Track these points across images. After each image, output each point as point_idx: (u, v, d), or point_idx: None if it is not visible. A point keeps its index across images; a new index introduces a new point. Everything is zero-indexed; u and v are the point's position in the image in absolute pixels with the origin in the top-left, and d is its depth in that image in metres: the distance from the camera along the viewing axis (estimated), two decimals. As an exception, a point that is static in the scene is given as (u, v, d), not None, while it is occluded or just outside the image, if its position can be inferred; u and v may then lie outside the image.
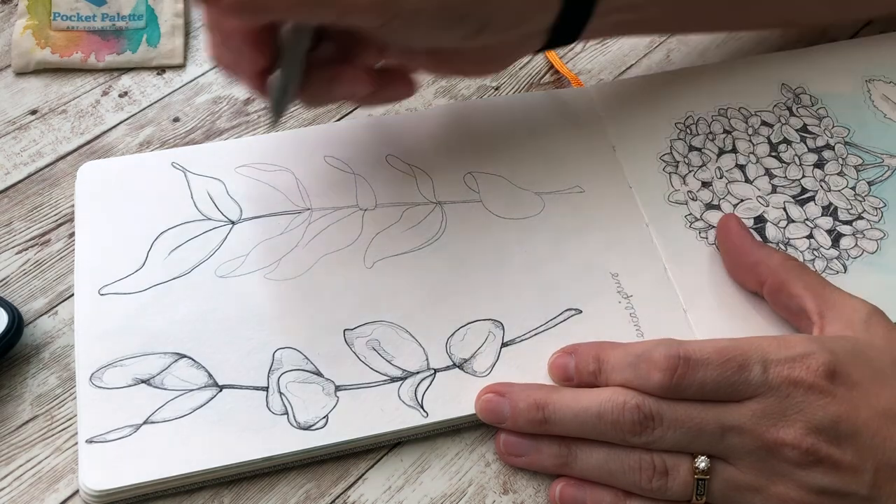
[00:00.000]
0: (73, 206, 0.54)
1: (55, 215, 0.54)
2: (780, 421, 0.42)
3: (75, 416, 0.47)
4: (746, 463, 0.43)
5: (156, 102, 0.60)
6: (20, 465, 0.46)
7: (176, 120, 0.59)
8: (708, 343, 0.43)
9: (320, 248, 0.52)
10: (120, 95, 0.60)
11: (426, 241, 0.52)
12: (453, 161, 0.56)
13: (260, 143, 0.56)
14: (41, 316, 0.50)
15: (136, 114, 0.59)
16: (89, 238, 0.51)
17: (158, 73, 0.62)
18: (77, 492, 0.45)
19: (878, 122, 0.60)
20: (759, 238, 0.53)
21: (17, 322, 0.48)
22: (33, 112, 0.59)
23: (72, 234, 0.53)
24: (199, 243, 0.51)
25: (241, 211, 0.53)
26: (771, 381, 0.42)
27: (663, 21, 0.57)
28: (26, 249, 0.53)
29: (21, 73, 0.61)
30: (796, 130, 0.59)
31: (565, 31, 0.50)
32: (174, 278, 0.50)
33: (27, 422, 0.47)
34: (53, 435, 0.47)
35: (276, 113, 0.48)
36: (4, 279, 0.52)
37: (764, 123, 0.59)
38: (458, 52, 0.49)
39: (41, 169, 0.56)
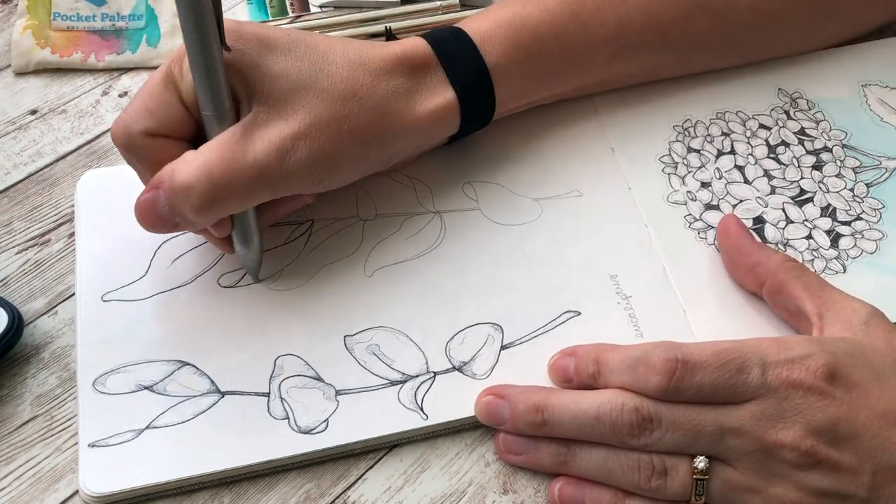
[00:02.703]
0: (73, 206, 0.54)
1: (55, 215, 0.54)
2: (779, 422, 0.42)
3: (75, 416, 0.47)
4: (745, 464, 0.43)
5: (156, 102, 0.60)
6: (20, 465, 0.46)
7: (176, 120, 0.59)
8: (706, 345, 0.44)
9: (321, 259, 0.52)
10: (120, 95, 0.60)
11: (425, 249, 0.53)
12: (452, 171, 0.56)
13: None
14: (41, 316, 0.51)
15: (136, 114, 0.59)
16: (91, 245, 0.52)
17: (158, 73, 0.62)
18: (77, 492, 0.45)
19: (874, 126, 0.60)
20: (758, 238, 0.53)
21: (17, 322, 0.48)
22: (33, 112, 0.59)
23: (72, 234, 0.53)
24: (202, 252, 0.52)
25: None
26: (770, 382, 0.42)
27: (564, 94, 0.58)
28: (26, 249, 0.53)
29: (21, 73, 0.61)
30: (794, 133, 0.59)
31: (468, 133, 0.55)
32: (177, 287, 0.50)
33: (27, 422, 0.47)
34: (53, 435, 0.47)
35: (249, 268, 0.51)
36: (4, 279, 0.52)
37: (762, 126, 0.59)
38: None
39: (41, 169, 0.56)
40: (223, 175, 0.45)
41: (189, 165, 0.45)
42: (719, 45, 0.59)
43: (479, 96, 0.52)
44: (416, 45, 0.51)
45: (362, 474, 0.46)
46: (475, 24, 0.53)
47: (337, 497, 0.46)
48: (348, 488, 0.46)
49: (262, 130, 0.46)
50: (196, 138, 0.47)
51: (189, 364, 0.48)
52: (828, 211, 0.56)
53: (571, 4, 0.54)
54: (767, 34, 0.60)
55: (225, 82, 0.45)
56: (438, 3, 0.64)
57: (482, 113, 0.54)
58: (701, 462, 0.43)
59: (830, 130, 0.59)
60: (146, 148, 0.46)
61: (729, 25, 0.58)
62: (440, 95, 0.51)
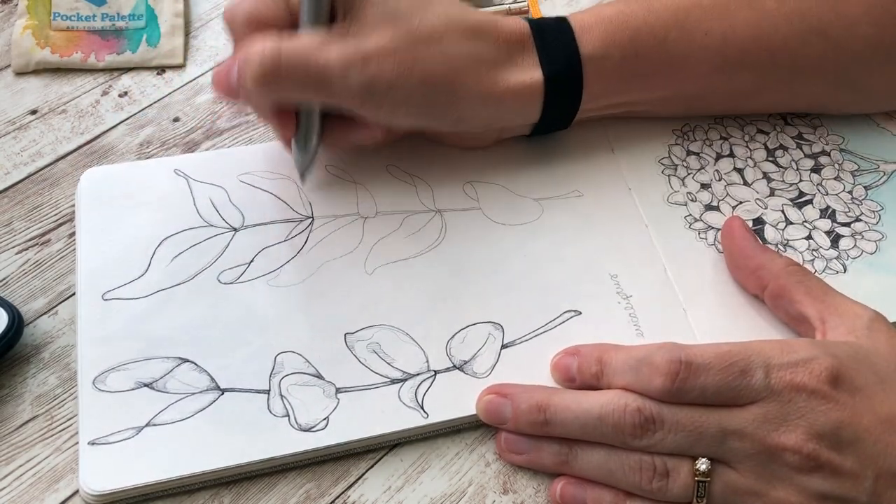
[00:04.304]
0: (73, 205, 0.54)
1: (55, 215, 0.54)
2: (782, 426, 0.42)
3: (75, 416, 0.47)
4: (747, 467, 0.43)
5: (156, 102, 0.60)
6: (20, 465, 0.46)
7: (176, 120, 0.59)
8: (710, 347, 0.43)
9: (322, 256, 0.52)
10: (120, 95, 0.60)
11: (426, 247, 0.53)
12: (453, 170, 0.56)
13: (262, 152, 0.56)
14: (41, 316, 0.50)
15: (136, 114, 0.59)
16: (92, 243, 0.51)
17: (158, 73, 0.62)
18: (77, 492, 0.45)
19: (872, 131, 0.60)
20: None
21: (17, 322, 0.48)
22: (33, 112, 0.59)
23: (72, 234, 0.53)
24: (202, 250, 0.52)
25: (244, 218, 0.53)
26: (773, 385, 0.42)
27: (657, 108, 0.58)
28: (26, 249, 0.53)
29: (21, 73, 0.61)
30: (792, 138, 0.59)
31: (553, 126, 0.56)
32: (177, 284, 0.50)
33: (27, 422, 0.47)
34: (53, 435, 0.47)
35: (299, 169, 0.54)
36: (4, 279, 0.52)
37: (760, 131, 0.60)
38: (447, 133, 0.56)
39: (41, 169, 0.56)
40: (289, 59, 0.47)
41: (266, 42, 0.48)
42: (829, 75, 0.56)
43: (566, 84, 0.52)
44: (515, 21, 0.52)
45: (362, 474, 0.46)
46: (578, 15, 0.54)
47: (337, 497, 0.46)
48: (348, 488, 0.46)
49: (342, 42, 0.48)
50: None
51: (189, 361, 0.48)
52: (827, 212, 0.56)
53: (676, 11, 0.54)
54: (883, 69, 0.57)
55: None
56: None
57: (567, 103, 0.53)
58: (703, 464, 0.43)
59: (828, 135, 0.60)
60: (244, 34, 0.49)
61: (842, 53, 0.55)
62: (527, 74, 0.52)
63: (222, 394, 0.47)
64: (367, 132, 0.53)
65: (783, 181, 0.57)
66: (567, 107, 0.54)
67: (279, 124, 0.52)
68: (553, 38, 0.52)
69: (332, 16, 0.49)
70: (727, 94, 0.57)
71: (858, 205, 0.56)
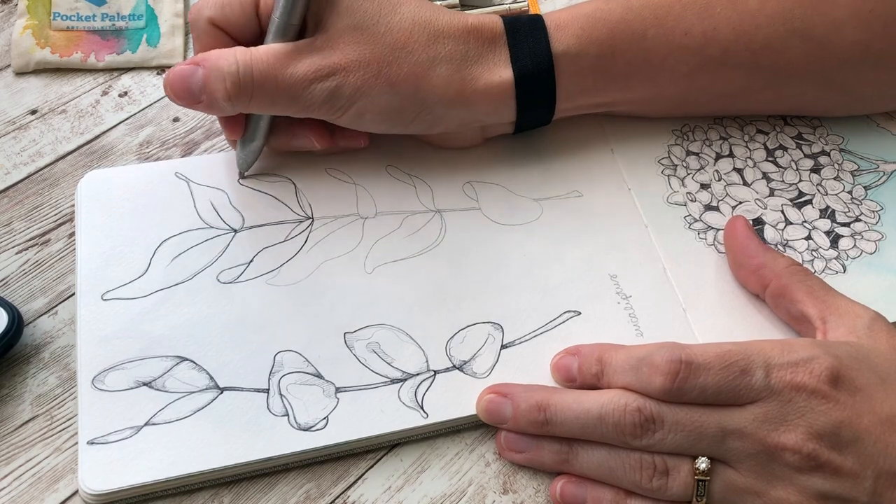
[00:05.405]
0: (72, 205, 0.54)
1: (55, 215, 0.54)
2: (782, 425, 0.42)
3: (75, 416, 0.47)
4: (747, 466, 0.43)
5: (156, 102, 0.60)
6: (20, 465, 0.46)
7: (176, 120, 0.59)
8: (710, 347, 0.43)
9: (321, 255, 0.52)
10: (120, 95, 0.60)
11: (426, 247, 0.53)
12: (452, 170, 0.56)
13: (262, 155, 0.56)
14: (41, 316, 0.50)
15: (135, 114, 0.59)
16: (91, 244, 0.51)
17: (158, 73, 0.62)
18: (77, 492, 0.45)
19: (872, 131, 0.60)
20: (760, 241, 0.53)
21: (17, 322, 0.48)
22: (33, 112, 0.59)
23: (72, 234, 0.53)
24: (202, 250, 0.52)
25: (244, 219, 0.53)
26: (773, 385, 0.42)
27: (641, 108, 0.57)
28: (26, 249, 0.53)
29: (21, 73, 0.61)
30: (791, 138, 0.59)
31: (534, 124, 0.55)
32: (176, 284, 0.50)
33: (27, 422, 0.47)
34: (53, 435, 0.47)
35: (239, 167, 0.55)
36: (4, 279, 0.52)
37: (759, 131, 0.60)
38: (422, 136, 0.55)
39: (41, 169, 0.56)
40: (260, 76, 0.48)
41: (237, 56, 0.48)
42: (816, 77, 0.55)
43: (537, 83, 0.52)
44: (490, 19, 0.52)
45: (362, 474, 0.46)
46: (555, 13, 0.53)
47: (337, 497, 0.46)
48: (348, 488, 0.46)
49: (311, 55, 0.49)
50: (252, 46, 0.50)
51: (188, 359, 0.48)
52: (826, 213, 0.56)
53: (656, 9, 0.53)
54: (872, 74, 0.56)
55: (306, 1, 0.49)
56: (439, 3, 0.64)
57: (541, 103, 0.53)
58: (702, 463, 0.43)
59: (828, 135, 0.60)
60: (206, 34, 0.50)
61: (828, 57, 0.54)
62: (496, 74, 0.51)
63: (221, 392, 0.47)
64: (307, 141, 0.54)
65: (783, 181, 0.57)
66: (542, 105, 0.53)
67: (229, 127, 0.53)
68: (525, 36, 0.52)
69: (303, 28, 0.50)
70: (711, 95, 0.56)
71: (858, 205, 0.56)
